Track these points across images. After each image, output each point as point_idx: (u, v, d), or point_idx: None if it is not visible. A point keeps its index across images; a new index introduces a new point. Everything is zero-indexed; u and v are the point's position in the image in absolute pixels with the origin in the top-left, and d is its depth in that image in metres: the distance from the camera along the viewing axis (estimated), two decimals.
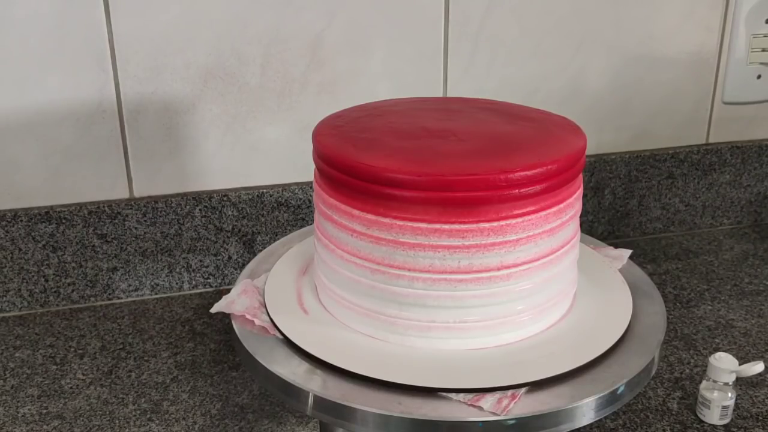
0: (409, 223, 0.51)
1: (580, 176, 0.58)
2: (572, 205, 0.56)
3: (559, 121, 0.61)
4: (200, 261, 0.94)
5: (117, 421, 0.72)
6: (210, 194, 0.91)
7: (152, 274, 0.92)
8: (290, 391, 0.52)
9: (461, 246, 0.51)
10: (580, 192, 0.57)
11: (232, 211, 0.92)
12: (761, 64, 1.04)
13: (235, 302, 0.61)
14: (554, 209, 0.53)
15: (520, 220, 0.52)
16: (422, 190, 0.50)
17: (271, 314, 0.58)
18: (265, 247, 0.74)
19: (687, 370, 0.78)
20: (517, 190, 0.51)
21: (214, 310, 0.61)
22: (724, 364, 0.69)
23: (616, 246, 0.73)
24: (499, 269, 0.52)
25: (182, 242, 0.92)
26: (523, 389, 0.50)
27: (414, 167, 0.51)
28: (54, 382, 0.77)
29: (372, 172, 0.51)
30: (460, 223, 0.51)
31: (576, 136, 0.57)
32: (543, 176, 0.51)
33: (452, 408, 0.49)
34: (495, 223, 0.51)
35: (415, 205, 0.51)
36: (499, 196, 0.51)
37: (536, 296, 0.54)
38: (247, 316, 0.59)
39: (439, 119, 0.61)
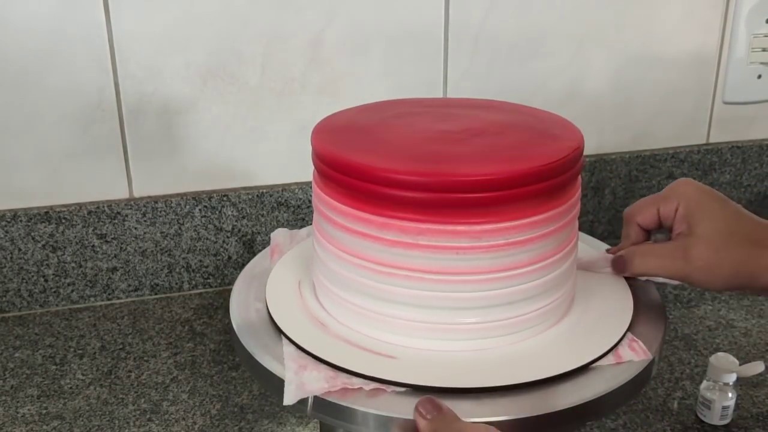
0: (396, 222, 0.51)
1: (574, 185, 0.56)
2: (556, 217, 0.54)
3: (559, 128, 0.60)
4: (200, 261, 0.93)
5: (117, 421, 0.72)
6: (210, 194, 0.91)
7: (152, 274, 0.92)
8: None
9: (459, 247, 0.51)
10: (570, 203, 0.55)
11: (232, 211, 0.92)
12: (761, 63, 1.04)
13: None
14: (518, 222, 0.52)
15: (504, 224, 0.51)
16: (404, 189, 0.50)
17: (272, 312, 0.58)
18: (264, 248, 0.73)
19: (687, 371, 0.78)
20: (488, 194, 0.50)
21: None
22: (725, 365, 0.69)
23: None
24: (499, 271, 0.52)
25: (182, 242, 0.92)
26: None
27: (395, 164, 0.51)
28: (54, 382, 0.77)
29: (350, 167, 0.52)
30: (443, 223, 0.50)
31: (558, 147, 0.55)
32: (503, 184, 0.50)
33: (453, 407, 0.49)
34: (480, 227, 0.50)
35: (395, 203, 0.51)
36: (469, 199, 0.50)
37: (535, 300, 0.54)
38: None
39: (439, 120, 0.60)
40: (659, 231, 0.62)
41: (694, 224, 0.57)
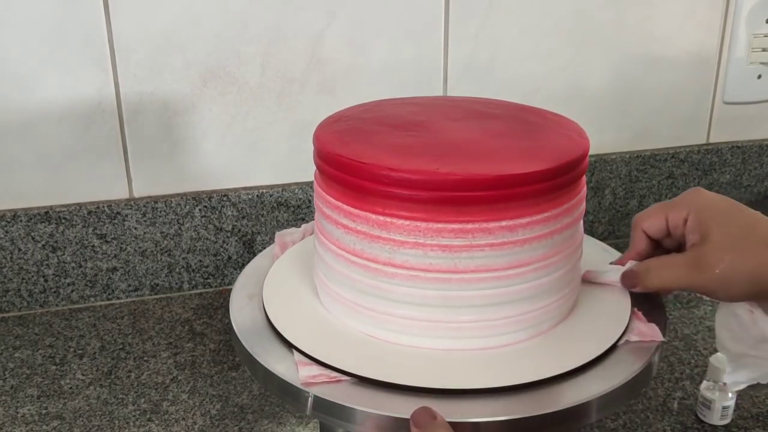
0: (389, 219, 0.51)
1: (579, 185, 0.56)
2: (560, 216, 0.54)
3: (563, 127, 0.60)
4: (200, 261, 0.93)
5: (116, 422, 0.72)
6: (210, 194, 0.91)
7: (152, 274, 0.92)
8: (290, 392, 0.52)
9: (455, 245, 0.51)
10: (575, 201, 0.55)
11: (232, 211, 0.92)
12: (762, 63, 1.04)
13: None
14: (504, 223, 0.52)
15: (493, 224, 0.51)
16: (406, 187, 0.50)
17: (268, 312, 0.58)
18: (264, 248, 0.74)
19: (687, 371, 0.78)
20: (474, 193, 0.50)
21: None
22: (725, 365, 0.69)
23: (617, 246, 0.73)
24: (507, 269, 0.52)
25: (182, 242, 0.92)
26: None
27: (396, 163, 0.51)
28: (53, 383, 0.77)
29: (351, 166, 0.52)
30: (445, 222, 0.50)
31: (564, 146, 0.56)
32: (491, 184, 0.50)
33: (453, 408, 0.49)
34: (484, 225, 0.50)
35: (397, 201, 0.51)
36: (459, 197, 0.50)
37: (539, 299, 0.54)
38: None
39: (441, 118, 0.60)
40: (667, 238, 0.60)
41: (706, 232, 0.54)
